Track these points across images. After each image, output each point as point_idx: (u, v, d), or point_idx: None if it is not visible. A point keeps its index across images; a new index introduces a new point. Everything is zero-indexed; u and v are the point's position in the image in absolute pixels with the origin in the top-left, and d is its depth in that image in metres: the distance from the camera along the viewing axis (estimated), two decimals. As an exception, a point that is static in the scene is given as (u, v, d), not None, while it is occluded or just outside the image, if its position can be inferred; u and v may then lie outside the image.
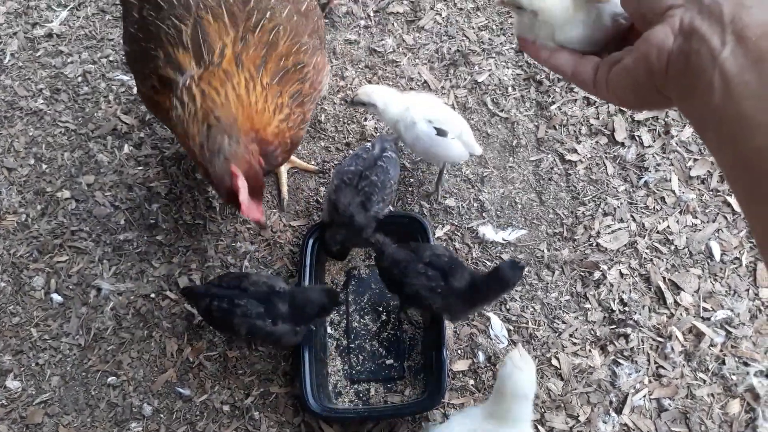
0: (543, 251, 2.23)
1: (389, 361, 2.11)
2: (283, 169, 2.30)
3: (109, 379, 2.08)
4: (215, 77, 1.57)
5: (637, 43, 0.94)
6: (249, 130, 1.59)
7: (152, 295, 2.18)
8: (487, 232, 2.25)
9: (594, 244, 2.23)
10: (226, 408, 2.03)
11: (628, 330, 2.08)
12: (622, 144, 2.38)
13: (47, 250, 2.26)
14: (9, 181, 2.38)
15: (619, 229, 2.25)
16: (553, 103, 2.45)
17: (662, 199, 2.30)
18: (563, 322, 2.13)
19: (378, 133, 2.40)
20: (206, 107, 1.53)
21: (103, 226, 2.29)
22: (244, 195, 1.47)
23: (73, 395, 2.08)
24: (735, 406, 1.99)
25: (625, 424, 1.98)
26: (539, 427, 1.98)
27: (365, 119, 2.42)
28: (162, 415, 2.04)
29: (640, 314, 2.10)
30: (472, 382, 2.06)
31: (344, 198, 1.97)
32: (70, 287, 2.21)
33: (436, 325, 2.02)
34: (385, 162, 2.05)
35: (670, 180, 2.32)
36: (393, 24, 2.61)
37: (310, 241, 2.10)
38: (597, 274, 2.18)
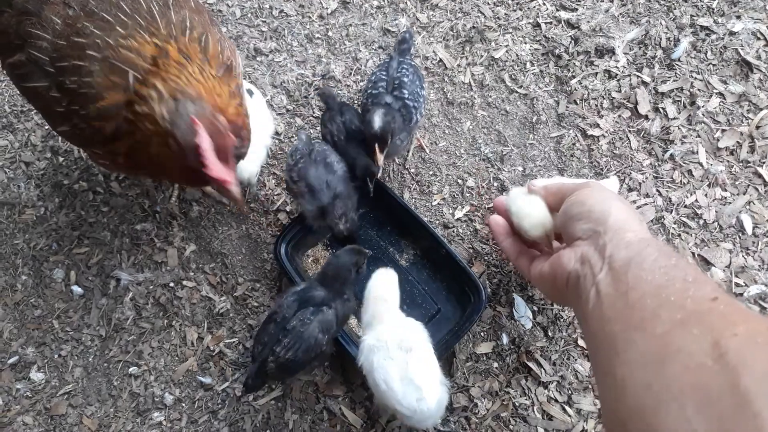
0: (566, 229, 2.17)
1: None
2: None
3: (131, 369, 2.07)
4: (171, 68, 1.58)
5: (552, 258, 1.49)
6: (215, 106, 1.60)
7: (171, 284, 2.17)
8: (508, 211, 2.20)
9: (619, 221, 2.15)
10: (248, 396, 2.01)
11: (657, 308, 2.02)
12: (646, 117, 2.30)
13: (66, 242, 2.26)
14: (27, 175, 2.38)
15: (645, 204, 2.17)
16: (574, 77, 2.37)
17: (689, 172, 2.22)
18: (589, 302, 2.06)
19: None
20: (171, 89, 1.54)
21: (120, 217, 2.28)
22: (205, 145, 1.48)
23: (95, 386, 2.08)
24: (771, 384, 1.92)
25: (656, 405, 1.92)
26: (567, 408, 1.93)
27: (380, 101, 2.38)
28: (184, 404, 2.03)
29: (669, 291, 2.03)
30: (496, 364, 2.01)
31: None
32: (90, 278, 2.21)
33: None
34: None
35: (697, 152, 2.24)
36: (406, 3, 2.55)
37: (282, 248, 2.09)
38: (623, 252, 2.11)
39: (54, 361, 2.12)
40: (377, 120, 1.91)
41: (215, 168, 1.50)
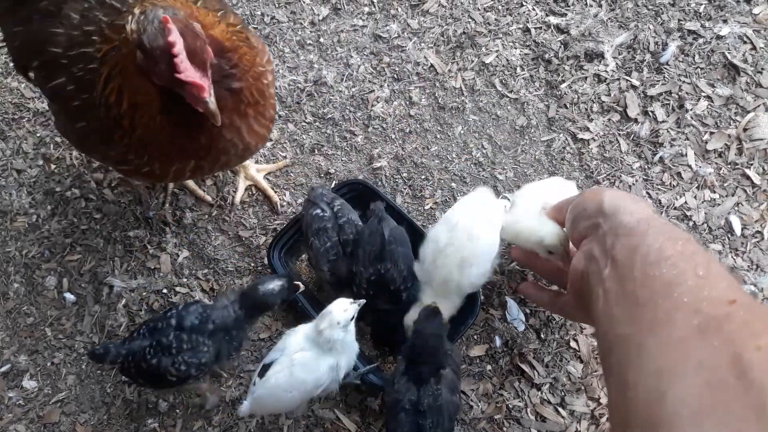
0: (558, 232, 2.18)
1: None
2: (261, 180, 2.30)
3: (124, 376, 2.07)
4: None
5: (569, 268, 1.40)
6: (191, 15, 1.43)
7: (164, 291, 2.16)
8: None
9: (610, 223, 2.17)
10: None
11: (648, 309, 2.03)
12: (635, 120, 2.33)
13: (59, 249, 2.26)
14: (19, 183, 2.37)
15: (636, 206, 2.20)
16: (563, 81, 2.40)
17: (678, 174, 2.24)
18: (581, 304, 2.08)
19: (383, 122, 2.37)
20: (144, 6, 1.38)
21: (113, 224, 2.28)
22: (177, 44, 1.29)
23: (89, 393, 2.07)
24: (762, 383, 1.94)
25: (649, 405, 1.93)
26: (560, 409, 1.94)
27: (372, 105, 2.39)
28: (178, 410, 2.02)
29: (659, 293, 2.05)
30: (489, 367, 2.02)
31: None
32: (83, 285, 2.20)
33: None
34: None
35: (686, 155, 2.26)
36: (397, 9, 2.57)
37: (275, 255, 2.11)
38: (614, 254, 2.12)
39: (47, 369, 2.11)
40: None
41: (188, 71, 1.31)
